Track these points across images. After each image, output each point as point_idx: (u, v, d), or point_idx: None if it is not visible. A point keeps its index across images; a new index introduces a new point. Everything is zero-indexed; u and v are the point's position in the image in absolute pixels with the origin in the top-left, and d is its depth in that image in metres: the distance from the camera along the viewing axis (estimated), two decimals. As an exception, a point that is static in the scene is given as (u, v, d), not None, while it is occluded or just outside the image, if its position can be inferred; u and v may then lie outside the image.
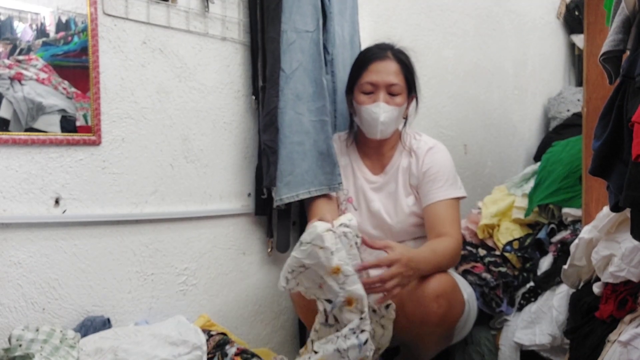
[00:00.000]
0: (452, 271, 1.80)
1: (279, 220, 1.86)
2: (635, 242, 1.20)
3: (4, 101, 1.35)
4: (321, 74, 1.78)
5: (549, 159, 2.10)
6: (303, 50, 1.76)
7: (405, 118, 1.82)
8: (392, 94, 1.73)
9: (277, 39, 1.73)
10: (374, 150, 1.82)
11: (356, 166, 1.84)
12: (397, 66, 1.74)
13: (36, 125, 1.41)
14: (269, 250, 1.87)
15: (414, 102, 1.84)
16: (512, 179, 2.28)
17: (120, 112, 1.55)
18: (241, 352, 1.48)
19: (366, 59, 1.77)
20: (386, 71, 1.73)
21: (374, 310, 1.47)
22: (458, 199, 1.76)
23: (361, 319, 1.35)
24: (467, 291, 1.74)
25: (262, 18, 1.79)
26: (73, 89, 1.46)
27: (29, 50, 1.39)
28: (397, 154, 1.82)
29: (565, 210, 1.93)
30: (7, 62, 1.36)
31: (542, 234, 1.94)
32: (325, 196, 1.77)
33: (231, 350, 1.48)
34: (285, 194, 1.73)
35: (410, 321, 1.54)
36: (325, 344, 1.36)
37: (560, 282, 1.68)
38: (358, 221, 1.52)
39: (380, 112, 1.70)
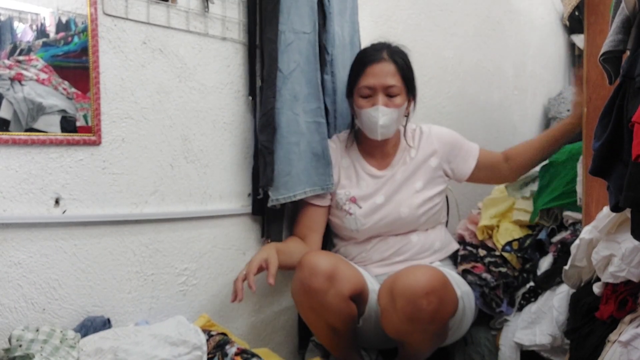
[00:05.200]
0: (445, 268, 1.80)
1: (273, 219, 1.86)
2: (636, 242, 1.20)
3: (4, 102, 1.35)
4: (316, 75, 1.79)
5: (551, 162, 2.09)
6: (300, 51, 1.77)
7: (407, 116, 1.83)
8: (390, 95, 1.73)
9: (275, 39, 1.74)
10: (378, 149, 1.84)
11: (359, 165, 1.85)
12: (393, 67, 1.75)
13: (36, 126, 1.40)
14: (269, 250, 1.87)
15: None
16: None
17: (120, 112, 1.55)
18: (241, 352, 1.48)
19: (362, 62, 1.78)
20: (383, 73, 1.73)
21: None
22: None
23: None
24: (463, 289, 1.74)
25: (261, 18, 1.79)
26: (73, 90, 1.46)
27: (29, 50, 1.39)
28: (401, 148, 1.85)
29: (566, 213, 1.93)
30: (7, 62, 1.35)
31: (542, 235, 1.94)
32: (317, 202, 1.81)
33: (231, 350, 1.48)
34: (282, 194, 1.74)
35: (401, 319, 1.53)
36: None
37: (561, 282, 1.68)
38: (363, 222, 1.71)
39: (379, 116, 1.71)
